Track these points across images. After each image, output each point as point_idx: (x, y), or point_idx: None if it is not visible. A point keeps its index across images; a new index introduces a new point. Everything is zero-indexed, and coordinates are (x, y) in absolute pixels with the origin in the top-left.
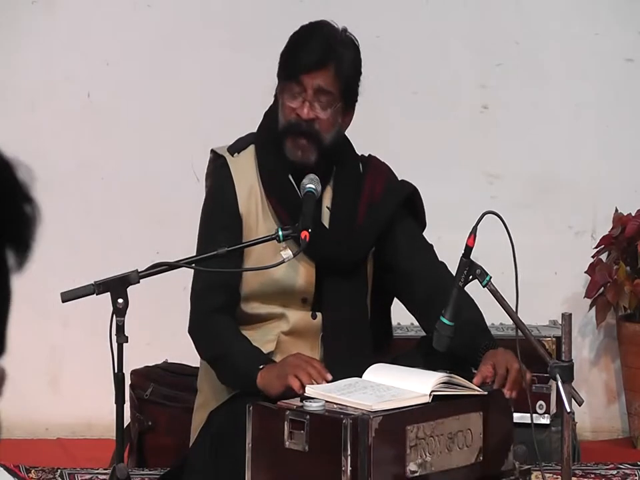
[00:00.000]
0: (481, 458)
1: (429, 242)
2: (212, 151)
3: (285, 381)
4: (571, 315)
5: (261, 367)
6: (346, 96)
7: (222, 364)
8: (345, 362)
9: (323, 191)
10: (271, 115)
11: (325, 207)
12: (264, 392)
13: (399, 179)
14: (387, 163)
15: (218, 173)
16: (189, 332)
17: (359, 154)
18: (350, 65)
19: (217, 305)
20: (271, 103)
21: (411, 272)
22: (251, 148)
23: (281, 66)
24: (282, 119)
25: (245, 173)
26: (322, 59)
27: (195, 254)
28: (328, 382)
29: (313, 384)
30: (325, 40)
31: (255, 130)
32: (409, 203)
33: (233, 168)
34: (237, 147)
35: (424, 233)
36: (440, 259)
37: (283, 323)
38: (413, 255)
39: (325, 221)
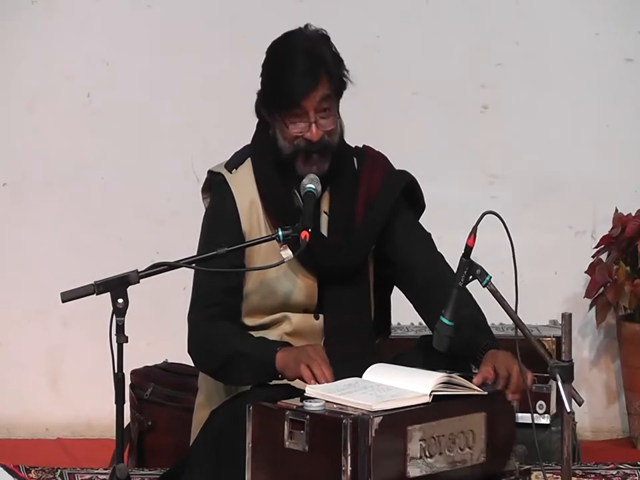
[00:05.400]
0: (484, 459)
1: (427, 231)
2: (209, 171)
3: (299, 368)
4: (570, 314)
5: (278, 348)
6: (339, 90)
7: (235, 361)
8: (348, 364)
9: (321, 194)
10: (263, 129)
11: (323, 212)
12: (282, 374)
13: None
14: None
15: (217, 189)
16: (189, 351)
17: (353, 145)
18: (334, 62)
19: (216, 313)
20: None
21: (409, 263)
22: (248, 162)
23: (270, 97)
24: (286, 145)
25: (245, 187)
26: (315, 77)
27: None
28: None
29: (317, 382)
30: (308, 56)
31: (254, 129)
32: (406, 191)
33: (233, 184)
34: (234, 163)
35: (422, 219)
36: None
37: (285, 324)
38: (412, 246)
39: (324, 227)
